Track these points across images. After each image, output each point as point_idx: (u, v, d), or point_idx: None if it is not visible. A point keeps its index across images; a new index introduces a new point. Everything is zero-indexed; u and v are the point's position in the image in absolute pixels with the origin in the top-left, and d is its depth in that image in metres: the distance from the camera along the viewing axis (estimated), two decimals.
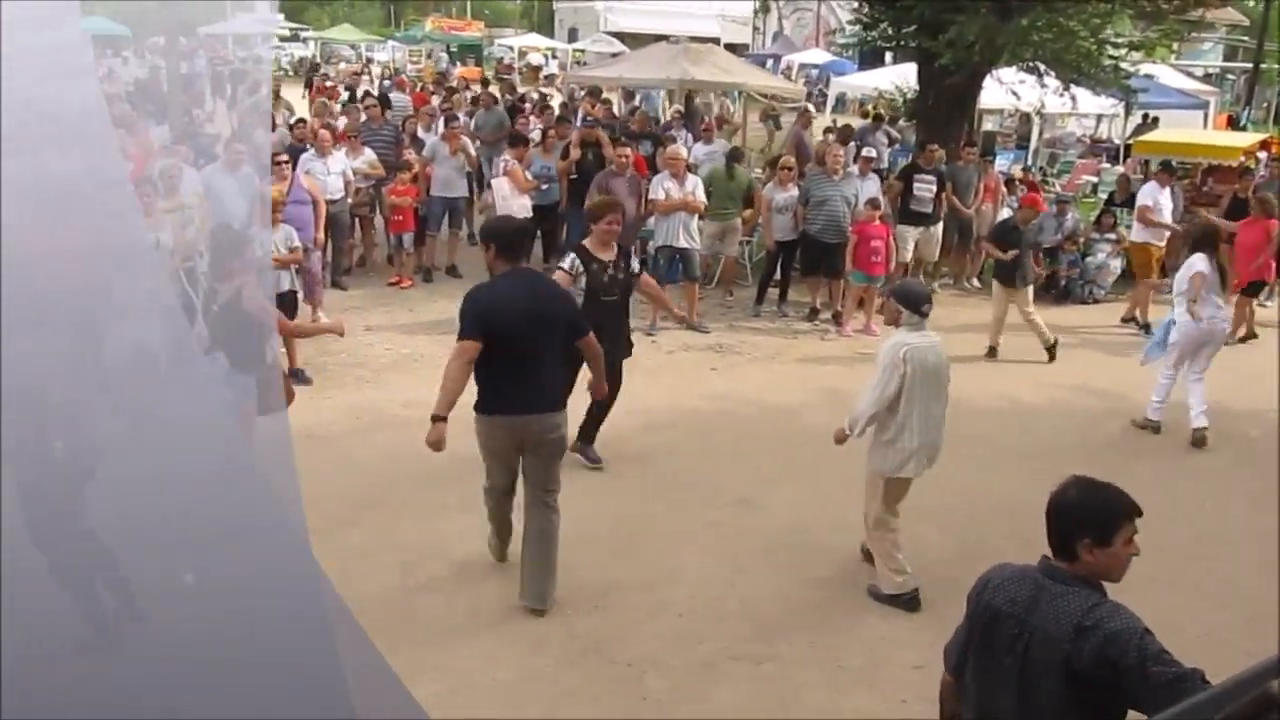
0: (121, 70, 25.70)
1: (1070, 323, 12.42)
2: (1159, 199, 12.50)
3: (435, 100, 19.19)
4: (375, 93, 20.52)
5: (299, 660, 3.85)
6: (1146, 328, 11.79)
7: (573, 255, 7.23)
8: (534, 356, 5.46)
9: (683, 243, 10.97)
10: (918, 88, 15.12)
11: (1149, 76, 17.06)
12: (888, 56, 22.35)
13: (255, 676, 3.91)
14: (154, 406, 4.18)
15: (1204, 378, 8.67)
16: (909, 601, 5.99)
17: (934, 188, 12.35)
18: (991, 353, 10.82)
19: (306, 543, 4.21)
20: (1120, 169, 17.70)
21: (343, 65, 37.28)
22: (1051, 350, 10.70)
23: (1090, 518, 3.11)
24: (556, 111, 17.53)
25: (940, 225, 12.66)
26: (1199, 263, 8.58)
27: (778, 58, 40.34)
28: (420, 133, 14.75)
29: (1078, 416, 9.31)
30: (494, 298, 5.49)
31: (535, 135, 14.00)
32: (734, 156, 12.59)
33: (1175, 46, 20.02)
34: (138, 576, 4.12)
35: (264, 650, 3.87)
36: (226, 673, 3.98)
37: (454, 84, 25.03)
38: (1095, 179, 19.26)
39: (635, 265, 7.46)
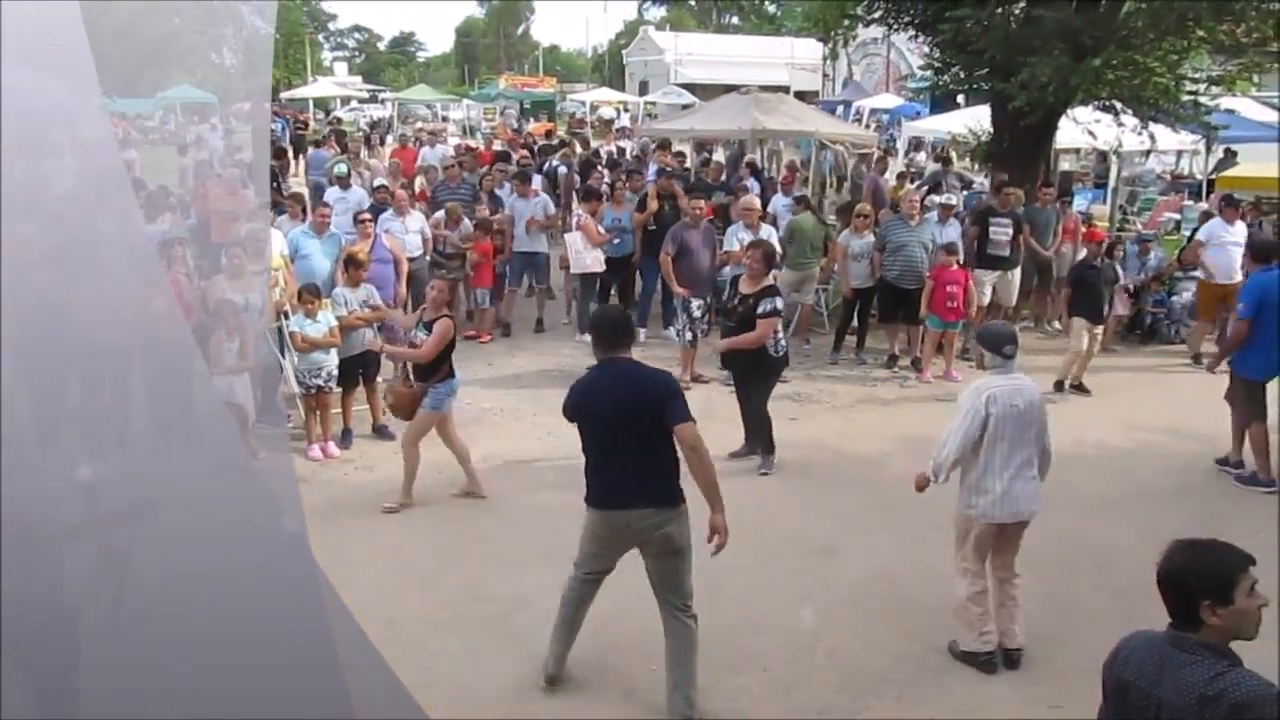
0: (210, 136, 26.56)
1: (1158, 363, 12.17)
2: (1223, 235, 12.07)
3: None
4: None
5: (299, 660, 3.89)
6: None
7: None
8: (621, 449, 5.24)
9: None
10: (992, 130, 15.03)
11: (1230, 111, 16.74)
12: (960, 99, 22.22)
13: (255, 676, 3.97)
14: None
15: None
16: (985, 663, 5.76)
17: (1010, 231, 12.24)
18: (1078, 388, 10.78)
19: (307, 547, 4.26)
20: (1203, 205, 17.34)
21: (419, 124, 38.03)
22: (1080, 388, 10.98)
23: (1205, 579, 3.02)
24: (630, 164, 17.75)
25: (1018, 269, 12.53)
26: None
27: (848, 104, 40.34)
28: (497, 190, 14.94)
29: (1168, 460, 9.10)
30: (577, 391, 5.46)
31: (606, 189, 14.15)
32: (804, 204, 12.70)
33: (1257, 79, 19.57)
34: (148, 580, 4.15)
35: (264, 650, 3.92)
36: (227, 673, 4.06)
37: (525, 140, 25.43)
38: (1178, 216, 18.86)
39: (767, 306, 8.39)
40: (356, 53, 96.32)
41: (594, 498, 5.37)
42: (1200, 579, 3.02)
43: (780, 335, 8.68)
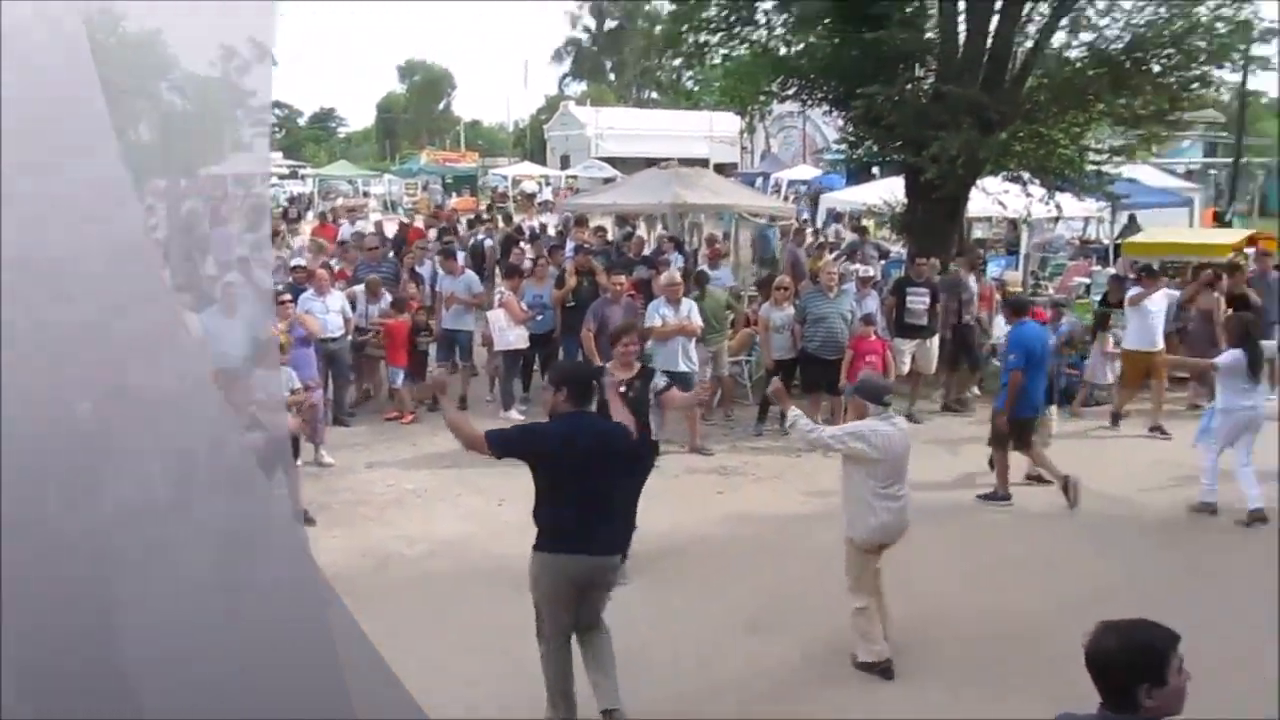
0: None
1: (1082, 427, 12.40)
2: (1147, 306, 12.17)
3: (432, 234, 19.47)
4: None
5: (299, 660, 3.79)
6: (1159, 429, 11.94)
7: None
8: (607, 499, 5.54)
9: (682, 366, 10.84)
10: (906, 201, 15.38)
11: (1132, 180, 17.37)
12: (875, 170, 22.78)
13: (255, 676, 3.84)
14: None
15: (1250, 462, 9.01)
16: (884, 671, 6.33)
17: (927, 300, 12.48)
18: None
19: (306, 545, 4.19)
20: (1111, 270, 17.86)
21: (339, 200, 37.86)
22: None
23: (1141, 662, 2.99)
24: (552, 240, 17.83)
25: (936, 337, 12.75)
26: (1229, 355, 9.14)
27: (767, 175, 41.03)
28: (418, 267, 14.85)
29: (1086, 519, 9.18)
30: (549, 431, 5.67)
31: (528, 265, 14.13)
32: (700, 279, 12.80)
33: (1155, 147, 20.43)
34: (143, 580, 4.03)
35: (264, 650, 3.81)
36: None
37: (449, 217, 25.42)
38: (1087, 280, 19.42)
39: (659, 383, 7.79)
40: (276, 128, 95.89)
41: (566, 542, 5.44)
42: (1137, 662, 2.99)
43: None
